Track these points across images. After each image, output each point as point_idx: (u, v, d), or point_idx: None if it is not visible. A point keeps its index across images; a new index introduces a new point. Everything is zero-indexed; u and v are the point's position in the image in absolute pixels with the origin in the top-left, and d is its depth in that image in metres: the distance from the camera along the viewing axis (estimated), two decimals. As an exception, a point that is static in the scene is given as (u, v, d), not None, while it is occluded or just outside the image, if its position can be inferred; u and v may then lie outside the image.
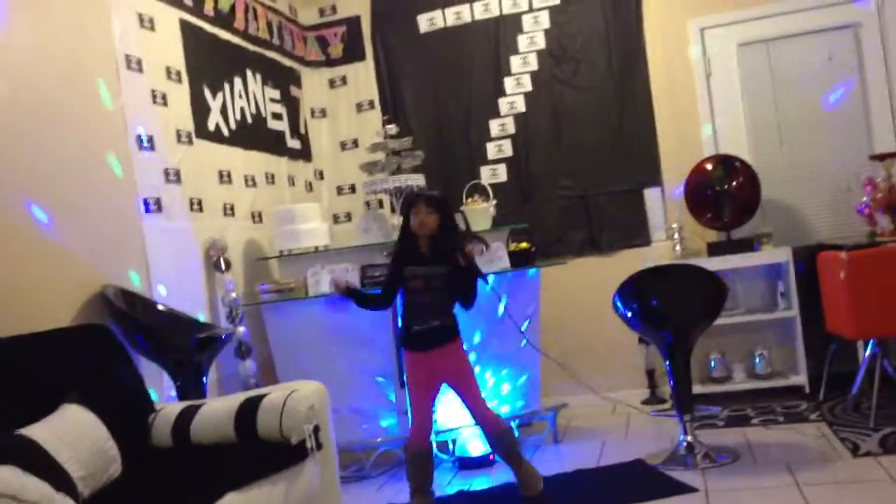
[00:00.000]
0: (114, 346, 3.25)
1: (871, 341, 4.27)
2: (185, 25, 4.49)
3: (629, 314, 4.00)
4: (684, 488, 3.53)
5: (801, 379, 4.94)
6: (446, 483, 4.12)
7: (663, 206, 5.46)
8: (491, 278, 4.30)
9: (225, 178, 4.72)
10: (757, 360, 5.12)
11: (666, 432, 4.48)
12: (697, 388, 4.97)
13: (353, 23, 5.97)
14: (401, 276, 3.57)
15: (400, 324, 3.68)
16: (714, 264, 4.76)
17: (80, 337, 3.15)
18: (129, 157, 3.91)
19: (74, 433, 2.56)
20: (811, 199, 5.28)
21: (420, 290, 3.53)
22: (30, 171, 3.29)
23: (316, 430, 2.98)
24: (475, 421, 3.68)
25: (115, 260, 3.72)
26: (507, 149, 5.72)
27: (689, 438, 3.94)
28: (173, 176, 4.22)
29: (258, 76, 5.23)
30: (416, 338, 3.57)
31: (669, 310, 3.96)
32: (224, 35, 4.90)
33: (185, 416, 3.06)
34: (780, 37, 5.29)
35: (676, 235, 5.27)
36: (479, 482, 4.05)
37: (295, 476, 2.84)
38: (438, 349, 3.57)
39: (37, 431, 2.46)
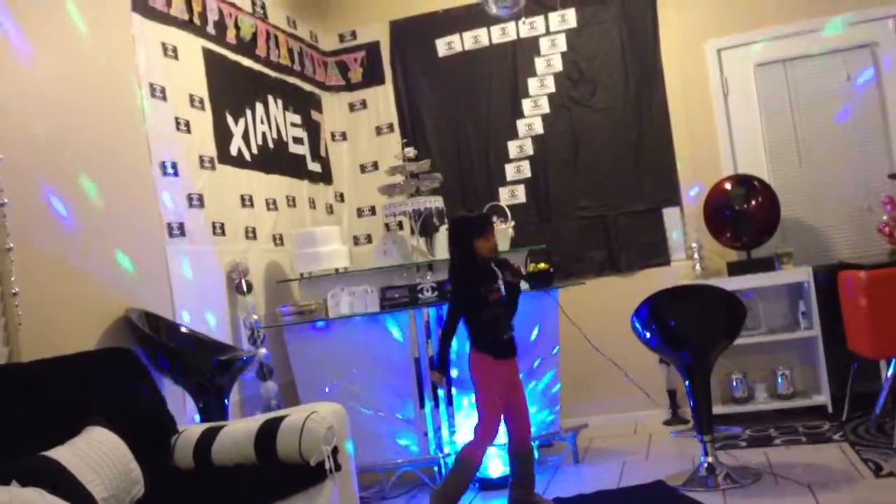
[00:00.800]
0: (137, 368, 3.32)
1: (893, 361, 4.23)
2: (207, 54, 4.59)
3: (647, 335, 4.00)
4: (704, 510, 3.52)
5: (823, 399, 4.90)
6: (467, 503, 4.12)
7: (682, 226, 5.47)
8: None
9: (247, 201, 4.80)
10: (779, 379, 5.09)
11: (687, 453, 4.46)
12: (719, 409, 4.96)
13: (373, 48, 6.06)
14: (476, 295, 3.65)
15: (479, 335, 3.71)
16: (734, 284, 4.77)
17: (104, 360, 3.21)
18: (154, 183, 4.00)
19: (98, 455, 2.61)
20: (831, 218, 5.27)
21: (498, 301, 3.68)
22: (60, 200, 3.38)
23: (334, 451, 3.02)
24: (511, 435, 3.75)
25: (138, 284, 3.79)
26: (526, 170, 5.76)
27: (710, 459, 3.92)
28: (196, 201, 4.30)
29: (279, 101, 5.32)
30: (505, 345, 3.71)
31: (687, 330, 3.96)
32: (246, 62, 5.00)
33: (207, 438, 3.11)
34: (798, 57, 5.30)
35: (696, 255, 5.27)
36: (499, 503, 4.05)
37: (314, 497, 2.88)
38: (512, 360, 3.74)
39: (61, 453, 2.51)
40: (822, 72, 5.27)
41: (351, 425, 3.31)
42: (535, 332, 4.56)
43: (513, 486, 3.79)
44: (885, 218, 4.77)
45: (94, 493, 2.47)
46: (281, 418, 3.05)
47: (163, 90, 4.16)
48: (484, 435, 3.65)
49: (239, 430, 3.09)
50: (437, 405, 4.51)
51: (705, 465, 3.92)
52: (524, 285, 4.42)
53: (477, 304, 3.67)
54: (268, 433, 3.00)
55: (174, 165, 4.16)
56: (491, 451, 4.29)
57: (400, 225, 5.84)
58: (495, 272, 3.72)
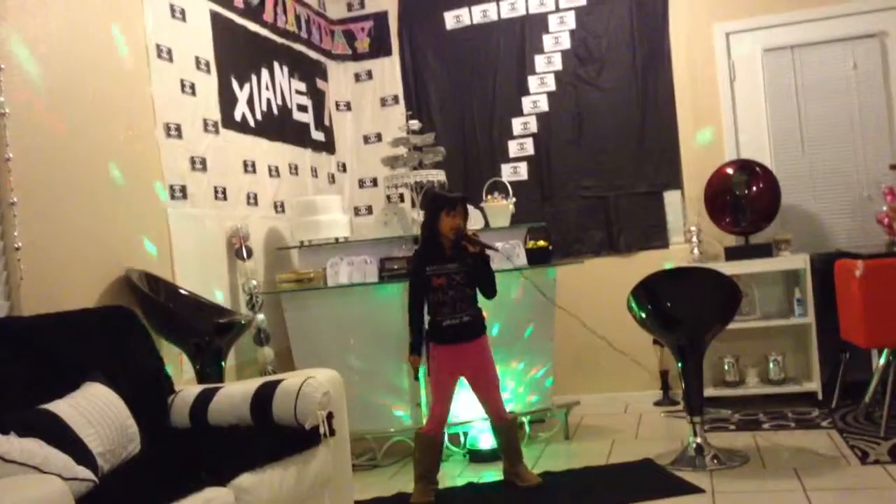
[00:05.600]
0: (136, 328, 3.34)
1: (885, 350, 4.27)
2: (215, 17, 4.57)
3: (643, 315, 4.03)
4: (691, 488, 3.56)
5: (814, 386, 4.95)
6: (457, 475, 4.17)
7: (683, 209, 5.48)
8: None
9: (249, 167, 4.80)
10: (771, 365, 5.13)
11: (676, 433, 4.51)
12: (710, 392, 5.01)
13: (381, 18, 6.03)
14: (424, 277, 3.72)
15: (428, 318, 3.78)
16: (731, 268, 4.78)
17: (103, 318, 3.23)
18: (157, 145, 4.00)
19: (96, 410, 2.64)
20: (831, 207, 5.28)
21: (443, 286, 3.70)
22: (64, 156, 3.38)
23: (329, 416, 3.05)
24: (487, 414, 3.87)
25: (139, 244, 3.81)
26: (529, 147, 5.76)
27: (699, 440, 3.96)
28: (199, 164, 4.30)
29: (285, 68, 5.31)
30: (445, 332, 3.71)
31: (683, 312, 3.98)
32: (253, 27, 4.98)
33: (203, 399, 3.15)
34: (806, 44, 5.29)
35: (695, 239, 5.29)
36: (489, 475, 4.10)
37: (307, 460, 2.91)
38: (466, 344, 3.74)
39: (60, 407, 2.55)
40: (830, 60, 5.26)
41: (345, 393, 3.34)
42: (529, 311, 4.59)
43: (502, 458, 3.89)
44: (884, 208, 4.79)
45: (90, 447, 2.50)
46: (278, 382, 3.08)
47: (169, 52, 4.15)
48: (430, 415, 3.80)
49: (236, 392, 3.12)
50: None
51: (694, 445, 3.96)
52: (520, 260, 4.47)
53: (426, 286, 3.73)
54: (264, 396, 3.03)
55: (178, 128, 4.16)
56: (482, 424, 4.36)
57: (401, 197, 5.84)
58: (451, 257, 3.71)
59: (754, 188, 5.17)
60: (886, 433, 4.04)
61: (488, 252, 3.77)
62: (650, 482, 3.73)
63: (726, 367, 5.20)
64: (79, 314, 3.14)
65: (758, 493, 3.48)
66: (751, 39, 5.39)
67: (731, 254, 5.12)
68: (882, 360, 4.31)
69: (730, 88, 5.42)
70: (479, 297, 3.83)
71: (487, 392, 3.82)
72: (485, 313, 3.88)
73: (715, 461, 3.87)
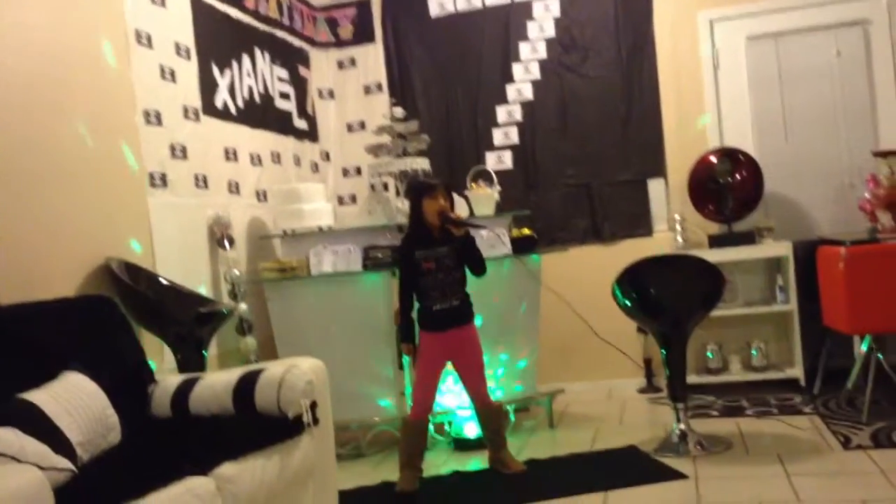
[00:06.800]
0: (116, 317, 3.29)
1: (867, 337, 4.29)
2: (195, 2, 4.52)
3: (627, 302, 4.03)
4: (674, 474, 3.57)
5: (796, 372, 4.97)
6: (441, 463, 4.17)
7: (666, 197, 5.48)
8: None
9: (231, 155, 4.75)
10: (753, 352, 5.16)
11: (660, 420, 4.52)
12: (693, 378, 5.02)
13: (364, 5, 5.99)
14: (413, 262, 3.71)
15: (417, 304, 3.77)
16: (714, 256, 4.77)
17: (83, 307, 3.19)
18: (137, 133, 3.95)
19: (75, 400, 2.60)
20: (814, 194, 5.30)
21: (433, 270, 3.69)
22: (39, 145, 3.33)
23: (313, 405, 3.02)
24: (472, 400, 3.86)
25: (119, 233, 3.76)
26: (514, 135, 5.74)
27: (683, 426, 3.97)
28: (179, 152, 4.25)
29: (267, 55, 5.26)
30: (435, 317, 3.71)
31: (667, 299, 3.98)
32: (234, 13, 4.92)
33: (185, 388, 3.11)
34: (789, 31, 5.29)
35: (678, 226, 5.29)
36: (474, 463, 4.10)
37: (290, 449, 2.88)
38: (455, 330, 3.74)
39: (38, 396, 2.51)
40: (813, 47, 5.26)
41: (329, 383, 3.31)
42: (514, 298, 4.58)
43: (487, 445, 3.89)
44: (867, 195, 4.80)
45: (69, 436, 2.47)
46: (260, 371, 3.05)
47: (149, 37, 4.09)
48: (415, 401, 3.79)
49: (217, 381, 3.09)
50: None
51: (677, 432, 3.97)
52: (504, 248, 4.46)
53: (414, 272, 3.72)
54: (247, 385, 2.99)
55: (158, 115, 4.10)
56: (467, 412, 4.35)
57: (385, 185, 5.80)
58: (440, 240, 3.71)
59: (737, 176, 5.18)
60: (868, 419, 4.07)
61: (475, 230, 3.78)
62: (634, 468, 3.74)
63: (709, 354, 5.23)
64: (58, 303, 3.09)
65: (741, 478, 3.49)
66: (734, 27, 5.38)
67: (715, 241, 5.14)
68: (864, 347, 4.33)
69: (714, 75, 5.42)
70: (469, 279, 3.82)
71: (473, 378, 3.83)
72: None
73: (698, 447, 3.88)
